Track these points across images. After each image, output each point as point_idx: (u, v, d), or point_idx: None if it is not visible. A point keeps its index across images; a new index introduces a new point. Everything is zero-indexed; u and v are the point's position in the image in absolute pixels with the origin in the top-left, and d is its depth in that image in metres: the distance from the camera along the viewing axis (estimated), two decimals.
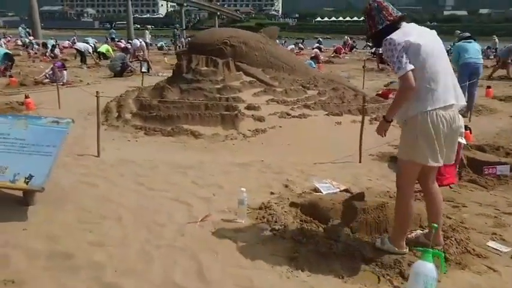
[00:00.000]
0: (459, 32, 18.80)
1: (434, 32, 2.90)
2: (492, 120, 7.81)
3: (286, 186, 4.36)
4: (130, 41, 16.40)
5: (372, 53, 26.22)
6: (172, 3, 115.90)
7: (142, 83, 11.25)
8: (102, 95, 7.29)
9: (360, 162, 5.20)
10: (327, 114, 6.99)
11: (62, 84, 11.57)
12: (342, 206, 3.42)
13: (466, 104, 3.08)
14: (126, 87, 11.06)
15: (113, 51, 20.15)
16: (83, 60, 16.42)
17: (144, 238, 3.18)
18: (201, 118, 6.50)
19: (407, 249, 2.87)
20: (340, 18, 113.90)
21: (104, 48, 20.08)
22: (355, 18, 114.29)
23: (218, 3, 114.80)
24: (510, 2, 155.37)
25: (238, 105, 6.79)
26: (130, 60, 15.01)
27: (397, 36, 2.66)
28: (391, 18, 2.74)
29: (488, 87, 10.61)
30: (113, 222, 3.45)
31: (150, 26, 26.99)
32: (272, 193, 4.16)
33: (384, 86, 12.01)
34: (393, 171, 4.89)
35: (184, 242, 3.13)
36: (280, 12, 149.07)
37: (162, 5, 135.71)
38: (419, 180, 2.89)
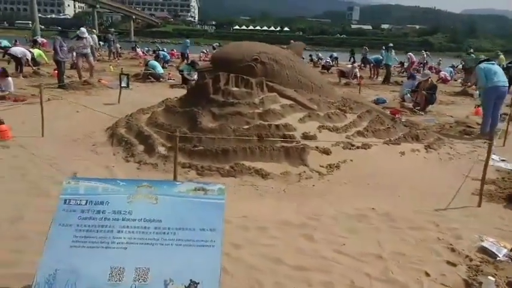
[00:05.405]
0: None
1: None
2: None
3: (453, 250, 3.52)
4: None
5: (320, 65, 26.32)
6: (80, 4, 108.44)
7: (119, 100, 9.60)
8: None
9: (479, 206, 4.54)
10: (385, 143, 6.28)
11: (14, 100, 9.39)
12: None
13: None
14: (101, 104, 9.34)
15: (46, 56, 17.68)
16: (20, 69, 13.84)
17: None
18: (261, 152, 5.37)
19: None
20: (258, 27, 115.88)
21: (35, 53, 17.36)
22: (272, 28, 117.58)
23: (131, 7, 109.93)
24: (407, 19, 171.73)
25: (295, 135, 5.79)
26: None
27: None
28: None
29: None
30: None
31: (84, 28, 23.87)
32: (451, 263, 3.29)
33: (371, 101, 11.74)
34: None
35: None
36: (196, 18, 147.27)
37: (68, 5, 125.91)
38: None
